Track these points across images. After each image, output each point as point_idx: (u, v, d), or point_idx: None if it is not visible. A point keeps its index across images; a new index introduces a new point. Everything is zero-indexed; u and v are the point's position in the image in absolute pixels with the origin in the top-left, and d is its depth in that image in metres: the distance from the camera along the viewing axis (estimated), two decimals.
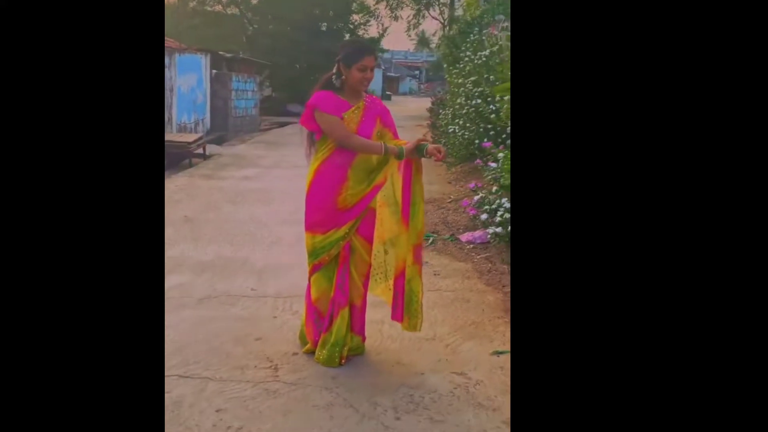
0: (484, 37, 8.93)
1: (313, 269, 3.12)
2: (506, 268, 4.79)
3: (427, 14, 32.18)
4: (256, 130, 17.02)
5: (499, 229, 4.90)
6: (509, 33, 7.77)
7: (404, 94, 56.55)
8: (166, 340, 3.32)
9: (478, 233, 5.51)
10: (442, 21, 29.36)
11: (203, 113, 13.97)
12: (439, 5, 31.35)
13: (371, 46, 3.33)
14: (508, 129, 6.54)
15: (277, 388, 2.89)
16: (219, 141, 13.61)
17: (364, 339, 3.27)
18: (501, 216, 4.93)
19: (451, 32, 13.47)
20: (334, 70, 3.07)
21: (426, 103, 20.48)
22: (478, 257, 5.15)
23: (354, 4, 27.39)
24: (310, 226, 3.08)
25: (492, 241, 5.18)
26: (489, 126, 7.18)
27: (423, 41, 38.05)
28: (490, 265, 4.94)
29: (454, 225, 6.22)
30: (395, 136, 3.13)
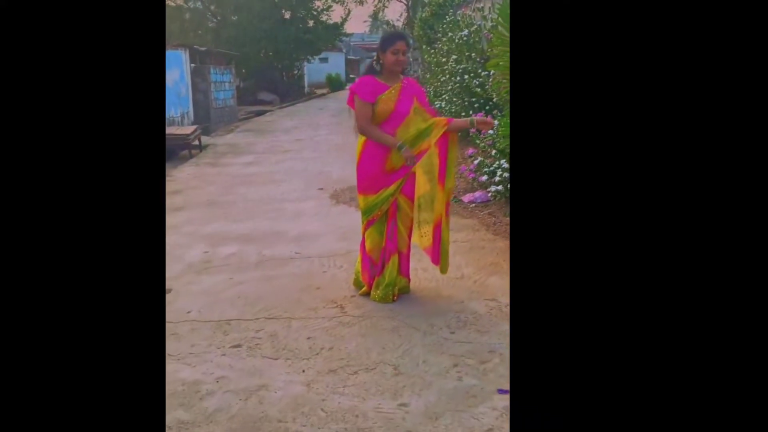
0: (458, 18, 9.60)
1: (367, 225, 3.80)
2: (509, 219, 5.54)
3: None
4: (235, 120, 17.47)
5: (499, 188, 5.63)
6: (484, 13, 8.47)
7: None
8: (242, 293, 4.00)
9: (478, 193, 6.22)
10: (406, 2, 29.89)
11: (187, 106, 14.40)
12: None
13: (402, 33, 4.02)
14: (494, 99, 7.26)
15: (348, 320, 3.58)
16: (204, 132, 14.07)
17: (409, 280, 3.97)
18: (500, 176, 5.66)
19: (424, 15, 14.11)
20: (375, 57, 3.72)
21: None
22: (481, 213, 5.88)
23: None
24: (363, 189, 3.74)
25: (493, 198, 5.91)
26: (473, 99, 7.90)
27: (383, 23, 38.50)
28: (493, 218, 5.67)
29: (455, 189, 6.94)
30: (431, 113, 3.80)
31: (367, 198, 3.74)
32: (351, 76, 42.42)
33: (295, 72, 29.13)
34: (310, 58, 28.99)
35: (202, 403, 2.76)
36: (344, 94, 32.38)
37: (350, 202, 6.52)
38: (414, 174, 3.79)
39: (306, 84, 31.95)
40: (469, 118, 3.71)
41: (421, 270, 4.25)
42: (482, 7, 9.19)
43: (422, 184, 3.81)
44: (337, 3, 28.53)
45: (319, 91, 33.33)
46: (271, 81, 25.94)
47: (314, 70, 35.12)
